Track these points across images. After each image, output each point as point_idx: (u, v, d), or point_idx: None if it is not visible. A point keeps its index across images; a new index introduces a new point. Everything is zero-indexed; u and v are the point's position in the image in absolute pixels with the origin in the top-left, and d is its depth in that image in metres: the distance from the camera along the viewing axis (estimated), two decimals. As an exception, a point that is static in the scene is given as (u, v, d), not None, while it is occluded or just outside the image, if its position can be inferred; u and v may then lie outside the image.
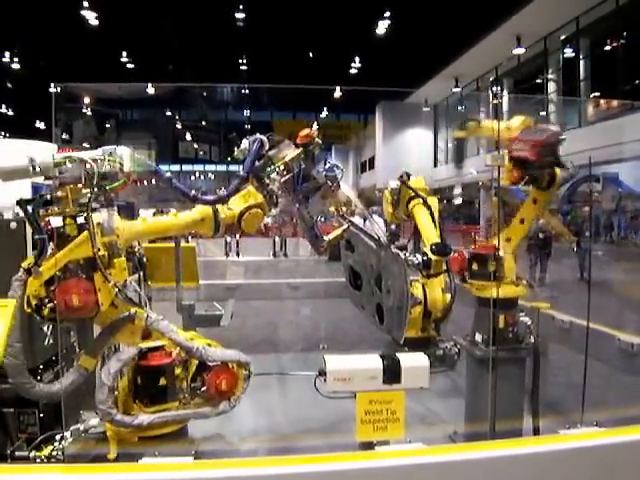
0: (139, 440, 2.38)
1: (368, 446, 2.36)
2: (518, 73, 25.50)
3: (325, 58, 27.12)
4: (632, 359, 5.15)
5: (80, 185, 2.28)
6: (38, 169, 2.29)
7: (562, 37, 22.45)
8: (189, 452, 2.14)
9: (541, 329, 3.66)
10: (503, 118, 4.02)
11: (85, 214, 2.24)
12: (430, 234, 4.72)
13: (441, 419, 4.17)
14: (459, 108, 29.46)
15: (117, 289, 2.26)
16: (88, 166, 2.28)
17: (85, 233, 2.23)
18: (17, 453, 2.68)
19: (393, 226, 8.34)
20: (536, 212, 3.69)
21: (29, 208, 2.25)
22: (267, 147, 2.71)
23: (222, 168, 56.18)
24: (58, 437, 2.58)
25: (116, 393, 2.52)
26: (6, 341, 2.09)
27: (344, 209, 3.37)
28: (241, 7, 25.17)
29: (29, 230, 2.55)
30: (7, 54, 28.29)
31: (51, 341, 2.96)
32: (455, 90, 28.31)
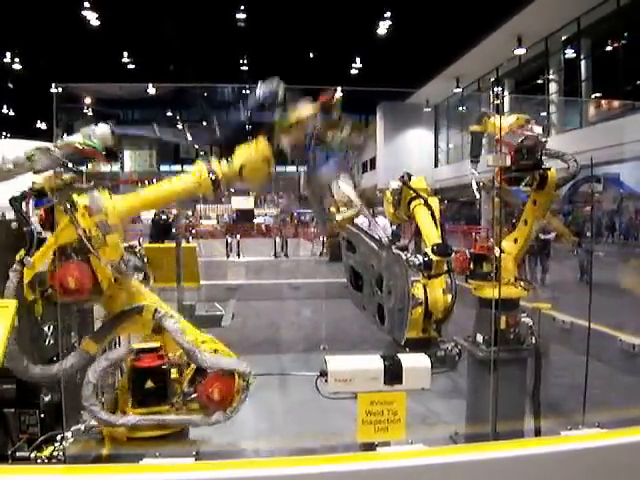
0: (140, 440, 2.37)
1: (369, 447, 2.35)
2: (519, 74, 25.50)
3: (326, 58, 27.13)
4: (633, 360, 5.15)
5: (56, 172, 2.29)
6: (11, 166, 2.30)
7: (563, 38, 22.45)
8: (190, 453, 2.13)
9: (542, 330, 3.66)
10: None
11: (69, 199, 2.26)
12: (431, 235, 4.71)
13: (442, 420, 4.17)
14: (460, 109, 29.48)
15: (110, 266, 2.25)
16: (62, 152, 2.29)
17: (66, 218, 2.25)
18: (18, 454, 2.67)
19: (394, 227, 8.34)
20: (537, 213, 3.69)
21: (16, 204, 2.31)
22: (282, 98, 2.50)
23: (223, 168, 56.24)
24: (59, 437, 2.58)
25: (116, 392, 2.52)
26: (6, 342, 2.08)
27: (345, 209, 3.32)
28: (242, 7, 25.20)
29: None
30: (8, 54, 28.32)
31: (52, 341, 2.96)
32: (456, 90, 28.31)
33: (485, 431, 3.25)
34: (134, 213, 2.50)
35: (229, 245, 16.42)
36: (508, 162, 3.34)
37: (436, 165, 33.26)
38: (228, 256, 15.82)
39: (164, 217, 12.63)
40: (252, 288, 9.75)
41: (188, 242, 11.79)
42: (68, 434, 2.50)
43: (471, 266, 3.69)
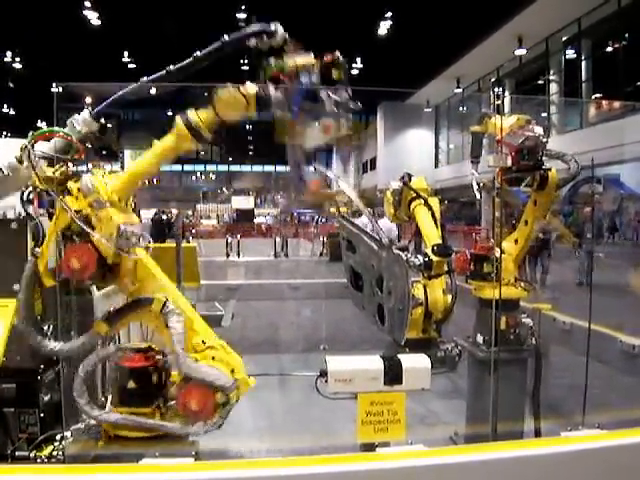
0: (140, 440, 2.37)
1: (369, 447, 2.35)
2: (520, 74, 25.53)
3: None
4: (634, 360, 5.14)
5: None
6: (7, 172, 2.35)
7: (564, 38, 22.46)
8: (189, 453, 2.13)
9: (543, 330, 3.66)
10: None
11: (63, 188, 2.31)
12: (431, 235, 4.71)
13: (442, 420, 4.17)
14: (460, 109, 29.51)
15: (105, 240, 2.26)
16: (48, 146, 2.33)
17: (58, 206, 2.30)
18: (17, 453, 2.68)
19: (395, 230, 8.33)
20: (538, 213, 3.69)
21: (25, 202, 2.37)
22: (279, 41, 2.42)
23: (223, 168, 56.34)
24: (58, 437, 2.58)
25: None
26: (6, 341, 2.09)
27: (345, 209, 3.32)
28: (242, 7, 25.21)
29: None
30: (9, 54, 28.35)
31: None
32: (457, 91, 28.34)
33: (485, 432, 3.25)
34: (130, 186, 2.47)
35: (229, 245, 16.42)
36: (509, 162, 3.34)
37: (436, 165, 33.30)
38: (228, 256, 15.82)
39: (164, 217, 12.64)
40: (252, 288, 9.74)
41: (188, 242, 11.80)
42: (68, 433, 2.49)
43: (471, 266, 3.69)
